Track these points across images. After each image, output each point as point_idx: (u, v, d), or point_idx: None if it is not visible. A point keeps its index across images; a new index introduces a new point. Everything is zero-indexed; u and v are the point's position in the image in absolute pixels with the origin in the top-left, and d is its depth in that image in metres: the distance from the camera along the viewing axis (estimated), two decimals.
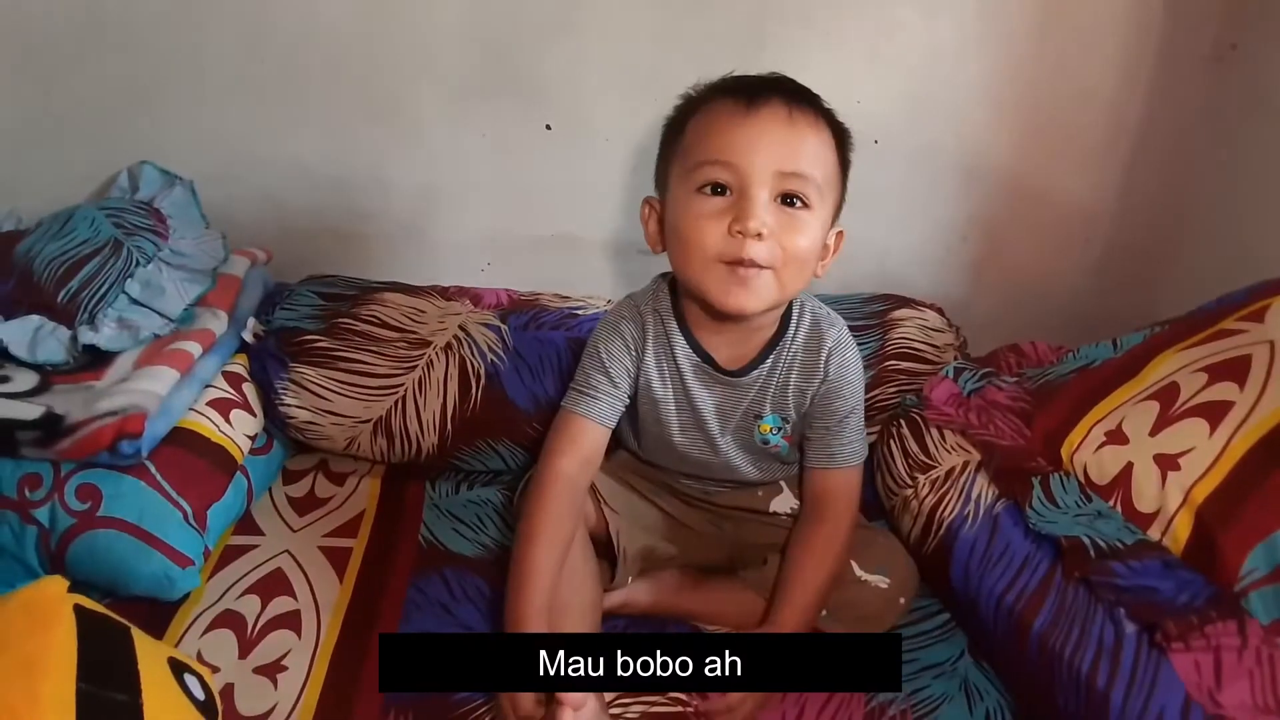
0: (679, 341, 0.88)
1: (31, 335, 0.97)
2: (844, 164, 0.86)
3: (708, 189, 0.80)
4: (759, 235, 0.78)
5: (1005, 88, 1.23)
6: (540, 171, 1.24)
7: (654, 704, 0.80)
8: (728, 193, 0.80)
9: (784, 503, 0.97)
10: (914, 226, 1.32)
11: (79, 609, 0.57)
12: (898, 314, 1.18)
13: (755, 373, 0.89)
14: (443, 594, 0.90)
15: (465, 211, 1.28)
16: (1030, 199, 1.30)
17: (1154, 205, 1.30)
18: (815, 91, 0.84)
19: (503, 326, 1.10)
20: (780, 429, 0.91)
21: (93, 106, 1.21)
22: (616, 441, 0.97)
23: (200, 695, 0.61)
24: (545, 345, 1.08)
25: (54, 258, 1.02)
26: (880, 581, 0.89)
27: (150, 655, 0.59)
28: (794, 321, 0.90)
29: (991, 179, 1.29)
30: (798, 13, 1.18)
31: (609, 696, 0.79)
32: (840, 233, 0.88)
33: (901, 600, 0.90)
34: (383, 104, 1.21)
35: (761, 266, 0.80)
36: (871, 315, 1.17)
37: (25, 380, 0.92)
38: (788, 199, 0.80)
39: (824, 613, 0.87)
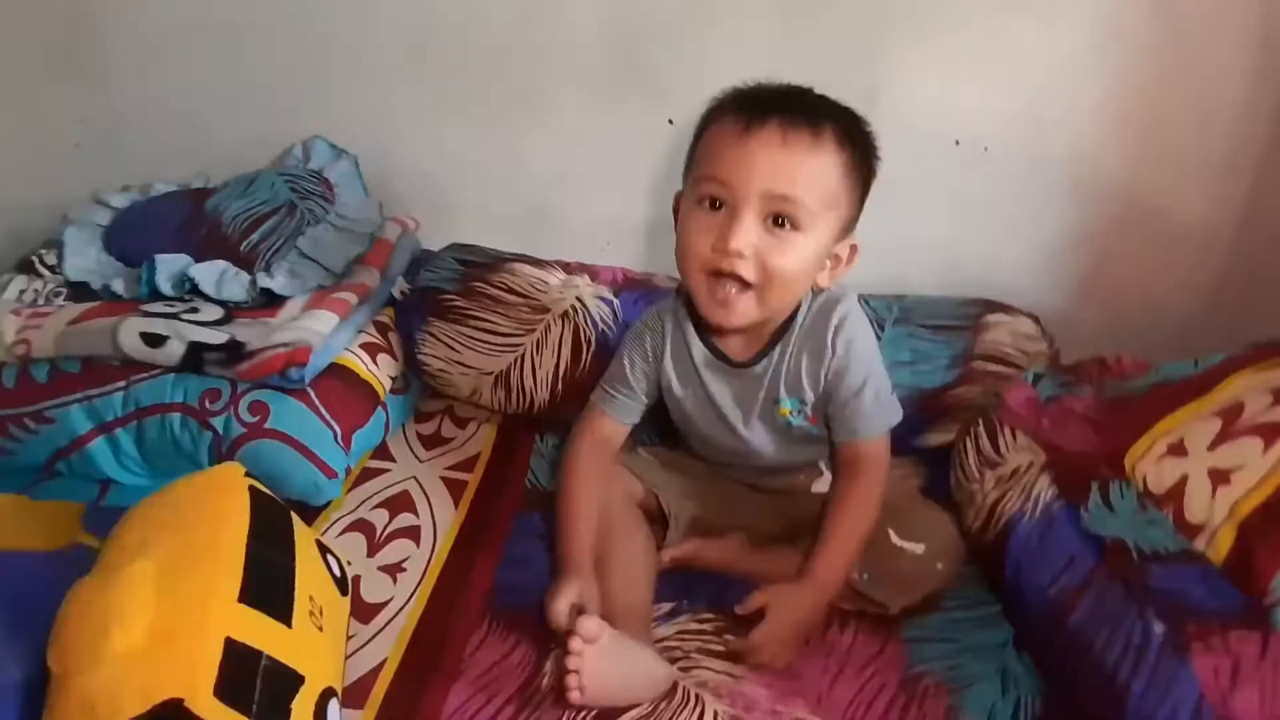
0: (693, 341, 0.97)
1: (218, 276, 1.14)
2: (859, 177, 0.88)
3: (706, 202, 0.86)
4: (740, 254, 0.84)
5: (1123, 102, 1.24)
6: (661, 161, 1.33)
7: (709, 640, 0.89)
8: (723, 208, 0.85)
9: (824, 483, 1.02)
10: (1021, 237, 1.34)
11: (252, 487, 0.71)
12: (991, 318, 1.22)
13: (765, 361, 0.95)
14: (540, 528, 1.02)
15: (591, 195, 1.39)
16: (1143, 215, 1.31)
17: (1273, 227, 1.28)
18: (831, 103, 0.87)
19: (615, 301, 1.21)
20: (800, 410, 0.96)
21: (273, 85, 1.38)
22: (673, 438, 1.08)
23: (337, 573, 0.76)
24: None
25: (239, 213, 1.20)
26: (915, 549, 0.92)
27: (302, 533, 0.73)
28: (804, 306, 0.94)
29: (1104, 193, 1.30)
30: (914, 23, 1.23)
31: (659, 634, 0.88)
32: (854, 246, 0.91)
33: (939, 566, 0.93)
34: (525, 95, 1.34)
35: (744, 283, 0.85)
36: (964, 316, 1.22)
37: (212, 313, 1.09)
38: (777, 219, 0.84)
39: (865, 576, 0.91)
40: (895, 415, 0.97)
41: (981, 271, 1.34)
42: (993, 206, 1.31)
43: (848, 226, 0.90)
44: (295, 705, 0.64)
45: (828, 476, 1.03)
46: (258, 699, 0.62)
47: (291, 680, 0.64)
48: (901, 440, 1.14)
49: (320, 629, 0.69)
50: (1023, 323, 1.23)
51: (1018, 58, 1.24)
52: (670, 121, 1.31)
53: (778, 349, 0.95)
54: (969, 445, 1.07)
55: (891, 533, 0.93)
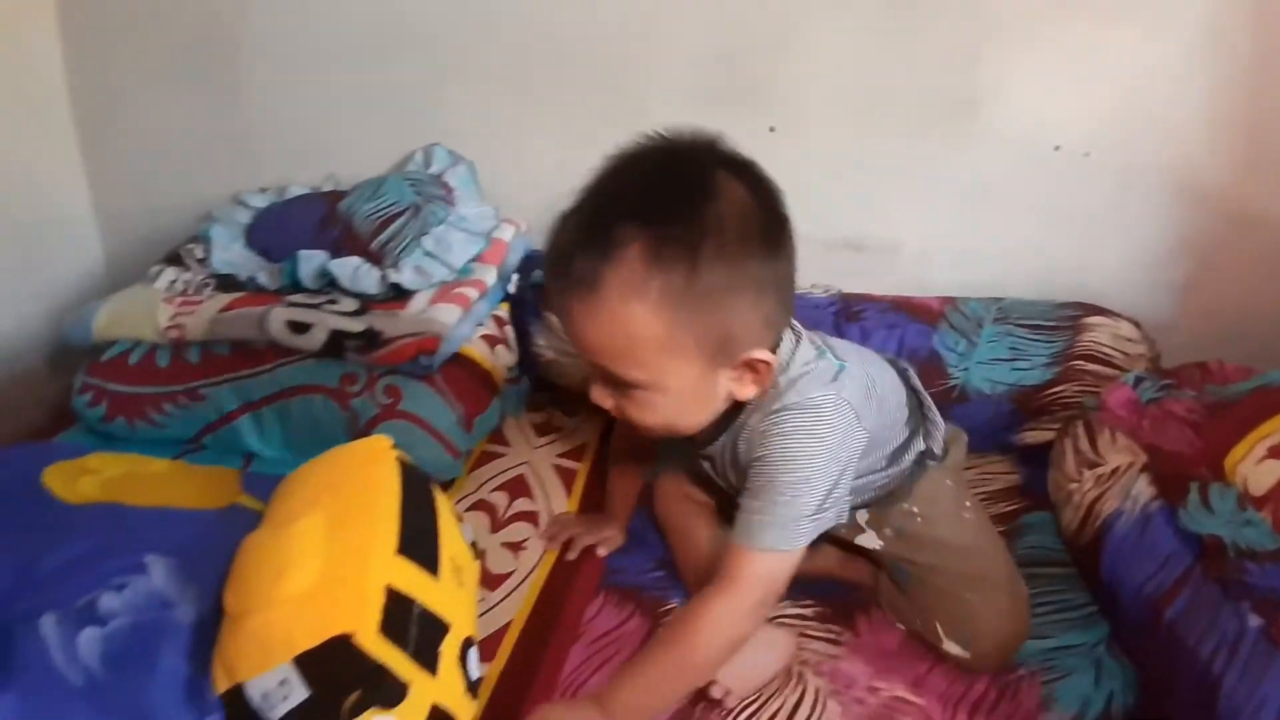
0: None
1: (353, 271, 1.22)
2: (700, 296, 0.71)
3: None
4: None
5: (1224, 109, 1.24)
6: (763, 168, 1.39)
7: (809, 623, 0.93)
8: None
9: (869, 540, 0.93)
10: (1120, 243, 1.35)
11: (399, 457, 0.79)
12: (1091, 320, 1.23)
13: (719, 442, 0.86)
14: (642, 510, 1.08)
15: None
16: (1245, 223, 1.30)
17: None
18: (636, 216, 0.72)
19: None
20: None
21: (398, 99, 1.46)
22: None
23: (469, 539, 0.83)
24: None
25: (370, 214, 1.28)
26: (962, 653, 0.87)
27: (441, 500, 0.80)
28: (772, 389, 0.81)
29: (1205, 200, 1.30)
30: (1013, 32, 1.25)
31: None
32: (765, 361, 0.77)
33: (990, 657, 0.87)
34: (630, 106, 1.38)
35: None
36: (1062, 319, 1.24)
37: (349, 305, 1.17)
38: (617, 382, 0.76)
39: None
40: (797, 539, 0.78)
41: (1079, 278, 1.35)
42: (1092, 213, 1.32)
43: (729, 347, 0.75)
44: (443, 649, 0.71)
45: (870, 534, 0.93)
46: (413, 640, 0.69)
47: (440, 626, 0.71)
48: (997, 436, 1.17)
49: (460, 584, 0.76)
50: (1123, 326, 1.24)
51: (1118, 64, 1.25)
52: (771, 129, 1.36)
53: (728, 431, 0.85)
54: (1068, 445, 1.09)
55: (939, 628, 0.88)
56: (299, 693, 0.65)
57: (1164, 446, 1.00)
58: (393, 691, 0.68)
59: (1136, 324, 1.25)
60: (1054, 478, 1.09)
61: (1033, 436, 1.17)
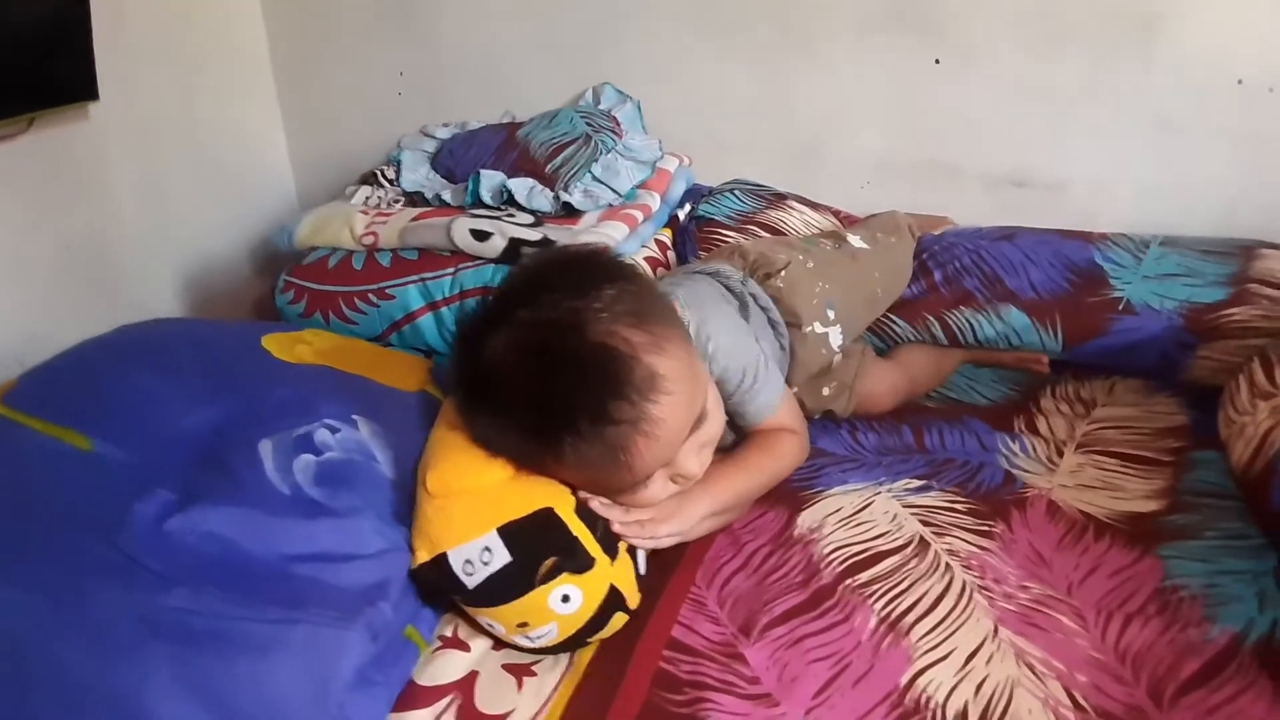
0: None
1: (529, 190, 1.32)
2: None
3: None
4: None
5: None
6: (924, 102, 1.38)
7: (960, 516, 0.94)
8: None
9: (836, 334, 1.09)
10: None
11: None
12: (1267, 250, 1.16)
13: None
14: None
15: (855, 135, 1.44)
16: None
17: None
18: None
19: None
20: None
21: (572, 40, 1.55)
22: None
23: None
24: None
25: (545, 141, 1.38)
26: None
27: None
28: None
29: None
30: None
31: (913, 502, 0.94)
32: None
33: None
34: (797, 38, 1.42)
35: None
36: (1237, 246, 1.18)
37: (525, 219, 1.26)
38: None
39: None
40: (778, 384, 0.98)
41: (1262, 219, 1.28)
42: (1276, 151, 1.26)
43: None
44: (620, 544, 0.80)
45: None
46: (600, 527, 0.78)
47: None
48: (1169, 358, 1.13)
49: None
50: None
51: None
52: (937, 61, 1.36)
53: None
54: (1241, 383, 1.05)
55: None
56: (501, 558, 0.74)
57: None
58: (584, 561, 0.76)
59: None
60: (1225, 415, 1.05)
61: (1204, 365, 1.11)
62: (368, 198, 1.41)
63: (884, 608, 0.82)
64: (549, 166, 1.35)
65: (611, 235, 1.21)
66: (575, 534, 0.75)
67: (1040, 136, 1.35)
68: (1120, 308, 1.13)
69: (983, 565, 0.87)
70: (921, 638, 0.78)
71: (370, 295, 1.26)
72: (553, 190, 1.32)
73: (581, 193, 1.32)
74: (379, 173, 1.46)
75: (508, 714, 0.72)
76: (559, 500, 0.77)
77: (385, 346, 1.26)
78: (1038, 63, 1.31)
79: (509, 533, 0.74)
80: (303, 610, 0.65)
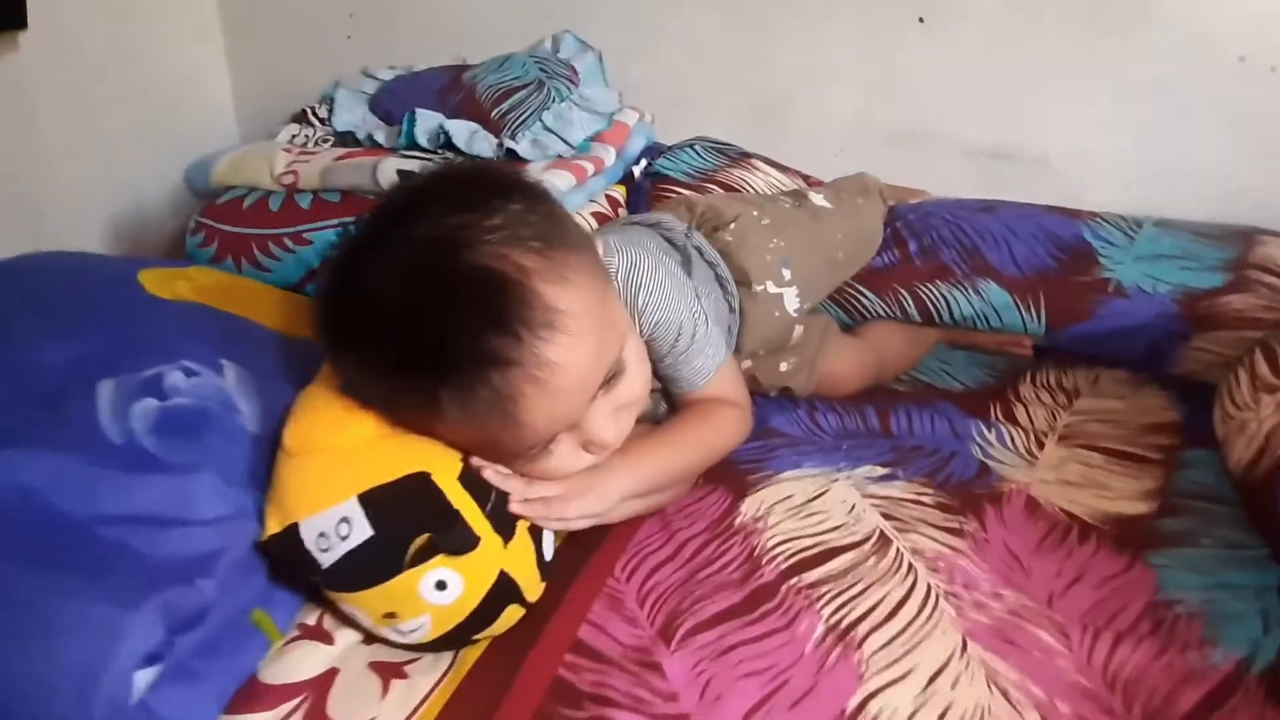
0: None
1: (470, 134, 1.19)
2: None
3: None
4: None
5: None
6: (905, 63, 1.30)
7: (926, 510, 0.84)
8: None
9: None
10: None
11: None
12: (1267, 237, 1.08)
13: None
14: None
15: (829, 95, 1.36)
16: None
17: None
18: None
19: None
20: None
21: None
22: None
23: None
24: None
25: (492, 84, 1.26)
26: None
27: None
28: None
29: None
30: None
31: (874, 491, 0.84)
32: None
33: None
34: None
35: None
36: (1235, 232, 1.09)
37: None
38: None
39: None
40: (720, 351, 0.85)
41: (1258, 206, 1.20)
42: (1276, 135, 1.18)
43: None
44: (519, 523, 0.67)
45: None
46: (491, 501, 0.64)
47: None
48: (1161, 346, 1.04)
49: None
50: None
51: None
52: (920, 20, 1.27)
53: None
54: (1241, 375, 0.95)
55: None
56: (361, 531, 0.61)
57: None
58: (465, 541, 0.63)
59: None
60: (1222, 410, 0.96)
61: (1198, 355, 1.02)
62: (294, 135, 1.29)
63: (833, 614, 0.70)
64: (495, 112, 1.23)
65: (555, 184, 1.09)
66: (456, 506, 0.62)
67: (1024, 108, 1.28)
68: (1110, 289, 1.04)
69: (951, 568, 0.76)
70: (876, 652, 0.67)
71: (286, 239, 1.13)
72: (498, 137, 1.20)
73: (530, 142, 1.20)
74: (310, 109, 1.34)
75: None
76: (439, 465, 0.63)
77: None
78: (1022, 26, 1.23)
79: (372, 501, 0.60)
80: (90, 582, 0.51)
